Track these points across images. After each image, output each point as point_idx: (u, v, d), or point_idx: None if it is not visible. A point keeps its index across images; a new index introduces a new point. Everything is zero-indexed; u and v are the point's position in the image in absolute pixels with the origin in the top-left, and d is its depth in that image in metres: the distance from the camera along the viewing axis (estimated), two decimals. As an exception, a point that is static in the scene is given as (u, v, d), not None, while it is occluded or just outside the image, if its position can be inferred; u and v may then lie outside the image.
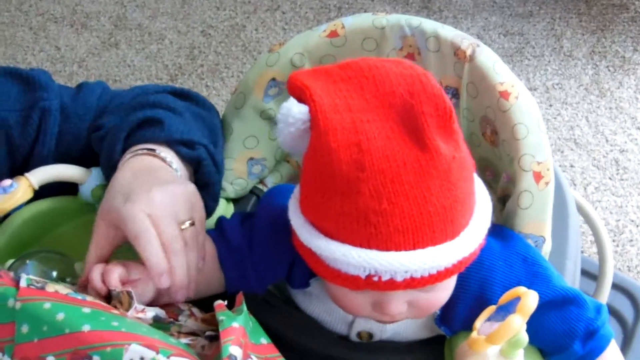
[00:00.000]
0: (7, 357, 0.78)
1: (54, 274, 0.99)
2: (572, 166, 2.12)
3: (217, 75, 2.46)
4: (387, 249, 0.80)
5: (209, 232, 0.99)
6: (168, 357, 0.74)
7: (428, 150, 0.79)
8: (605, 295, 1.26)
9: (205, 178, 1.04)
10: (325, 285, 0.94)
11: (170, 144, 1.01)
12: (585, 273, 1.44)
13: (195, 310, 0.91)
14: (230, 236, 0.98)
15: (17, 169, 1.09)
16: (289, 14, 2.61)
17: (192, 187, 0.96)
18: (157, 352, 0.74)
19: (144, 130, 1.02)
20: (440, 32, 1.08)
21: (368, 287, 0.83)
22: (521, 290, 0.84)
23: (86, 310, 0.79)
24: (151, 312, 0.85)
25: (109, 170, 1.01)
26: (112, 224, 0.91)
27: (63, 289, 0.82)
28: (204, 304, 0.93)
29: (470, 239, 0.85)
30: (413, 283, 0.82)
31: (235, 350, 0.77)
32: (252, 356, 0.81)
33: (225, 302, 0.87)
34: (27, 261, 0.99)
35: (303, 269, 0.96)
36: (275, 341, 0.90)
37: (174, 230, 0.89)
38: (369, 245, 0.81)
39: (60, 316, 0.78)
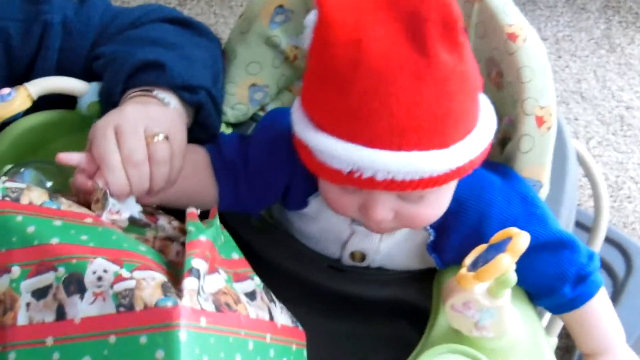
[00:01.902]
0: None
1: (49, 184, 0.99)
2: (576, 119, 2.11)
3: (226, 3, 2.45)
4: (372, 146, 0.81)
5: (206, 145, 1.00)
6: (131, 271, 0.74)
7: (427, 57, 0.79)
8: (597, 247, 1.27)
9: (206, 120, 1.04)
10: (320, 189, 0.94)
11: (172, 88, 1.01)
12: (580, 225, 1.46)
13: (175, 223, 0.91)
14: (225, 150, 0.98)
15: (17, 82, 1.08)
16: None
17: (176, 113, 0.96)
18: (121, 267, 0.75)
19: (146, 74, 1.01)
20: None
21: (349, 183, 0.84)
22: (513, 230, 0.85)
23: (57, 223, 0.80)
24: (126, 214, 0.86)
25: (108, 107, 1.01)
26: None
27: (38, 199, 0.82)
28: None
29: (460, 153, 0.84)
30: (393, 184, 0.83)
31: (198, 263, 0.77)
32: (220, 270, 0.82)
33: (198, 211, 0.86)
34: (24, 169, 0.99)
35: (300, 189, 0.97)
36: (263, 267, 0.91)
37: (138, 141, 0.88)
38: (354, 140, 0.81)
39: (31, 229, 0.78)
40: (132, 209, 0.87)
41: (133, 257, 0.77)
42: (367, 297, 1.00)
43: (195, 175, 0.97)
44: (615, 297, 1.52)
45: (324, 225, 1.01)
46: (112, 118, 0.89)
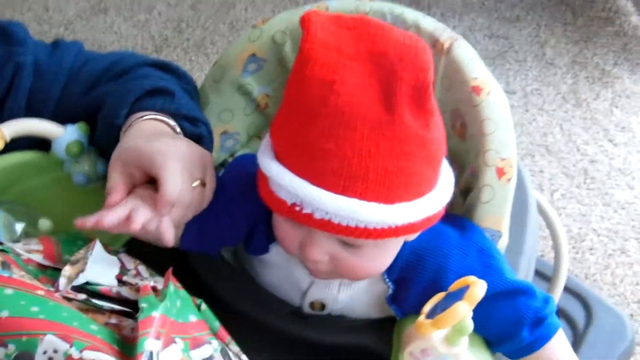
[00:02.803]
0: None
1: (19, 225, 1.00)
2: (541, 171, 2.14)
3: (202, 51, 2.47)
4: (317, 184, 0.83)
5: None
6: (81, 351, 0.73)
7: (392, 114, 0.81)
8: (557, 296, 1.29)
9: None
10: (272, 221, 0.96)
11: (176, 116, 1.02)
12: (542, 275, 1.47)
13: (142, 268, 0.91)
14: None
15: None
16: (278, -5, 2.63)
17: (209, 154, 0.97)
18: (71, 345, 0.73)
19: (154, 99, 1.02)
20: (421, 22, 1.09)
21: (289, 215, 0.86)
22: (470, 279, 0.86)
23: (8, 291, 0.78)
24: (82, 295, 0.84)
25: (109, 131, 1.02)
26: (132, 163, 0.91)
27: None
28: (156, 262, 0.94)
29: (403, 213, 0.85)
30: (328, 225, 0.84)
31: (151, 344, 0.76)
32: (177, 339, 0.80)
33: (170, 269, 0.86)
34: None
35: (263, 234, 0.98)
36: (226, 312, 0.91)
37: (187, 184, 0.90)
38: (302, 175, 0.83)
39: None
40: (108, 273, 0.88)
41: (83, 336, 0.76)
42: (328, 342, 1.00)
43: None
44: (575, 347, 1.53)
45: (284, 273, 1.02)
46: (166, 148, 0.90)
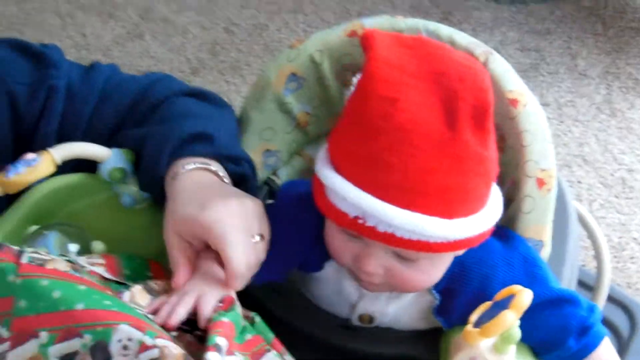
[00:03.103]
0: (4, 329, 0.80)
1: (73, 246, 1.00)
2: (579, 182, 2.14)
3: (238, 72, 2.49)
4: (381, 198, 0.84)
5: None
6: (154, 339, 0.76)
7: (453, 131, 0.84)
8: (600, 305, 1.28)
9: (249, 193, 1.03)
10: (325, 233, 0.97)
11: (218, 159, 1.03)
12: (584, 285, 1.47)
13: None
14: None
15: (22, 143, 1.11)
16: (311, 16, 2.65)
17: (260, 202, 0.97)
18: (144, 333, 0.76)
19: (194, 145, 1.03)
20: (456, 38, 1.11)
21: (351, 227, 0.88)
22: (516, 288, 0.88)
23: (82, 287, 0.82)
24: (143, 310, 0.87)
25: (151, 179, 1.03)
26: (190, 234, 0.92)
27: (62, 267, 0.85)
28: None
29: (461, 228, 0.87)
30: (391, 239, 0.86)
31: (221, 341, 0.79)
32: (237, 353, 0.83)
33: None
34: (48, 232, 1.02)
35: (318, 254, 1.00)
36: (278, 326, 0.93)
37: (249, 247, 0.91)
38: (366, 189, 0.85)
39: (57, 294, 0.80)
40: None
41: (152, 328, 0.79)
42: (377, 354, 1.02)
43: None
44: (620, 356, 1.53)
45: (335, 287, 1.04)
46: (220, 215, 0.90)
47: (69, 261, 0.90)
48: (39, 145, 1.08)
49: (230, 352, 0.81)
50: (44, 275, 0.82)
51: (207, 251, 0.93)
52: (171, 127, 1.05)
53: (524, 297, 0.85)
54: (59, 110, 1.12)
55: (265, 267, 0.99)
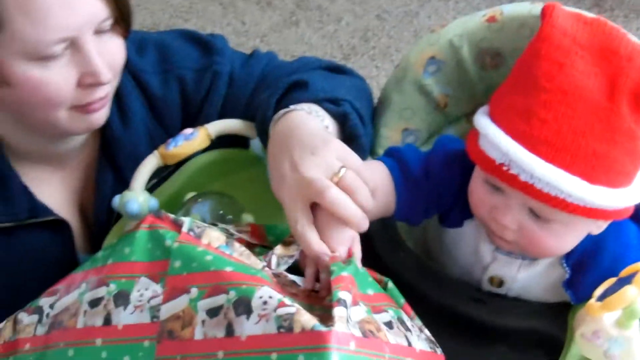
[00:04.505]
0: (159, 286, 0.87)
1: (224, 214, 1.09)
2: None
3: (388, 58, 2.54)
4: (528, 149, 0.89)
5: (382, 159, 1.08)
6: (292, 302, 0.81)
7: (611, 102, 0.89)
8: None
9: (352, 131, 1.09)
10: (470, 184, 1.00)
11: (317, 102, 1.07)
12: None
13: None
14: (412, 166, 1.06)
15: (189, 124, 1.19)
16: (461, 3, 2.67)
17: (332, 138, 0.99)
18: (284, 296, 0.82)
19: (291, 94, 1.09)
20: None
21: (495, 173, 0.93)
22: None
23: (231, 260, 0.88)
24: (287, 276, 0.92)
25: (263, 136, 1.09)
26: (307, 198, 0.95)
27: (216, 241, 0.91)
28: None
29: (599, 197, 0.90)
30: (530, 189, 0.90)
31: (344, 295, 0.83)
32: (361, 303, 0.86)
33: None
34: (203, 199, 1.10)
35: (460, 210, 1.05)
36: (409, 294, 0.97)
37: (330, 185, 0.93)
38: (516, 138, 0.90)
39: (209, 257, 0.86)
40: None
41: (290, 295, 0.85)
42: (505, 327, 1.03)
43: (381, 190, 1.02)
44: None
45: (470, 248, 1.07)
46: (310, 174, 0.93)
47: (221, 230, 0.97)
48: (202, 125, 1.16)
49: (355, 303, 0.86)
50: (198, 245, 0.89)
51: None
52: (276, 85, 1.11)
53: (647, 273, 0.85)
54: (222, 94, 1.22)
55: (413, 205, 1.05)
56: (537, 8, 1.14)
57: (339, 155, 0.95)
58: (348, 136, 1.09)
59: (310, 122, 1.02)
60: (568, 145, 0.89)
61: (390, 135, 1.22)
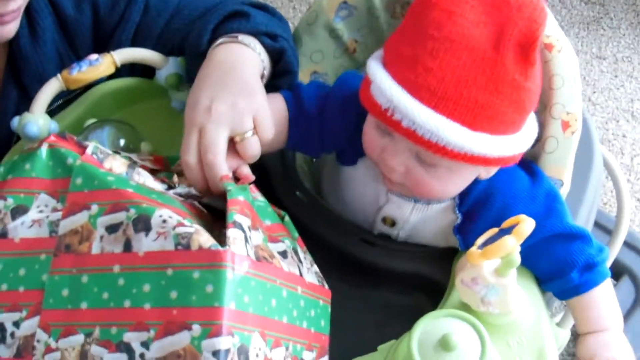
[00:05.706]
0: (60, 204, 0.88)
1: (123, 142, 1.09)
2: (624, 136, 2.14)
3: (305, 0, 2.53)
4: (412, 95, 0.90)
5: (282, 92, 1.09)
6: (192, 224, 0.82)
7: (496, 53, 0.89)
8: (617, 248, 1.29)
9: (287, 67, 1.10)
10: (364, 126, 1.02)
11: (255, 34, 1.07)
12: (602, 227, 1.49)
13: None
14: (307, 103, 1.08)
15: (100, 48, 1.18)
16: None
17: (259, 93, 1.00)
18: (184, 218, 0.83)
19: (231, 22, 1.08)
20: None
21: (380, 117, 0.94)
22: (521, 217, 0.91)
23: (132, 183, 0.89)
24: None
25: (195, 60, 1.07)
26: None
27: (118, 168, 0.91)
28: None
29: (480, 144, 0.92)
30: (412, 135, 0.92)
31: (239, 218, 0.84)
32: (260, 230, 0.89)
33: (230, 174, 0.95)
34: (104, 126, 1.09)
35: (355, 148, 1.06)
36: (303, 233, 0.99)
37: (217, 142, 0.95)
38: (401, 83, 0.91)
39: (111, 178, 0.87)
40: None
41: (191, 218, 0.86)
42: (392, 269, 1.06)
43: (275, 122, 1.04)
44: (637, 300, 1.56)
45: (365, 189, 1.09)
46: (200, 119, 0.95)
47: (124, 157, 0.97)
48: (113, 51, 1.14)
49: (254, 227, 0.88)
50: (100, 169, 0.89)
51: None
52: (215, 11, 1.10)
53: (526, 225, 0.88)
54: (135, 21, 1.20)
55: (304, 141, 1.07)
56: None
57: (256, 116, 0.97)
58: (281, 71, 1.10)
59: (249, 63, 1.03)
60: (450, 93, 0.89)
61: (300, 77, 1.21)
